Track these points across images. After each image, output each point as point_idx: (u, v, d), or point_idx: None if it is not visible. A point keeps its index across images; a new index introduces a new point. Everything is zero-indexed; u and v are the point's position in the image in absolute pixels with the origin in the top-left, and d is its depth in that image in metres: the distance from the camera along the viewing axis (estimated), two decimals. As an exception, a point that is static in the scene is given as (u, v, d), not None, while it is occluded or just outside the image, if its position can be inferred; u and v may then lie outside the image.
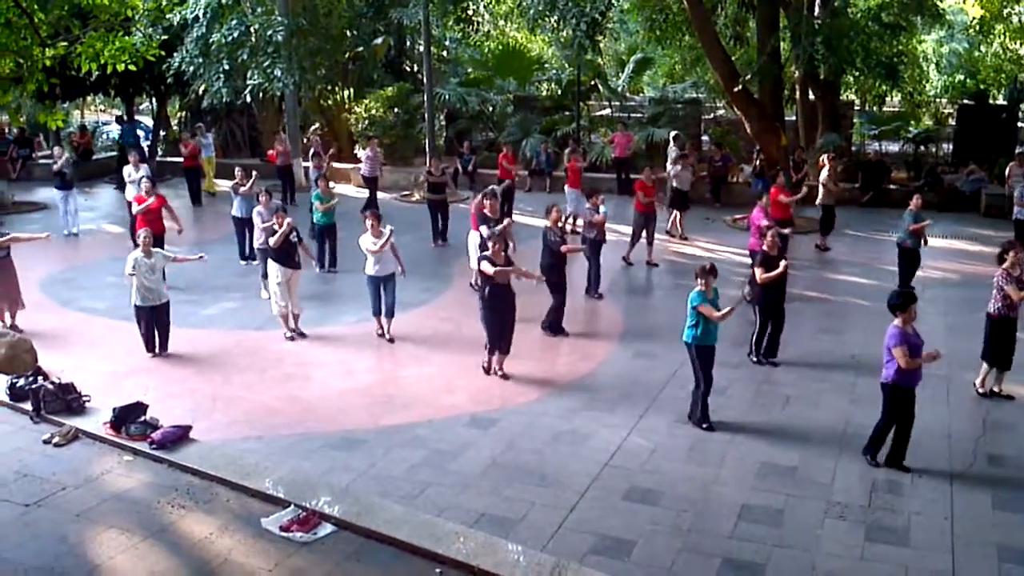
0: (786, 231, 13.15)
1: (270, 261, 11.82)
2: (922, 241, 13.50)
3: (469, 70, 28.40)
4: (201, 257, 12.23)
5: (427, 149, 21.71)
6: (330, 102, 25.49)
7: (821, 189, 16.19)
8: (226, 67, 20.76)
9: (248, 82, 20.79)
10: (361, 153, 22.07)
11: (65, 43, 10.39)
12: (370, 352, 11.41)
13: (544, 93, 27.73)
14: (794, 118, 21.97)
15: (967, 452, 8.52)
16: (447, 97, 24.58)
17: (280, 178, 20.56)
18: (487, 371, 10.47)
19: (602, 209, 13.15)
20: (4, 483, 7.75)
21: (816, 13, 19.45)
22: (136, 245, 11.38)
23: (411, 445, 8.68)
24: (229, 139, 27.55)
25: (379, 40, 25.23)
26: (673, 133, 21.46)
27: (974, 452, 8.53)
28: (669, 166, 18.38)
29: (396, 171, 22.63)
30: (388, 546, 6.81)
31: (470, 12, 25.60)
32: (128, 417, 8.58)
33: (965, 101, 25.78)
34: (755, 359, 10.74)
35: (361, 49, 25.27)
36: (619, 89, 27.60)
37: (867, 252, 16.17)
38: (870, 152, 23.45)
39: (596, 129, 25.73)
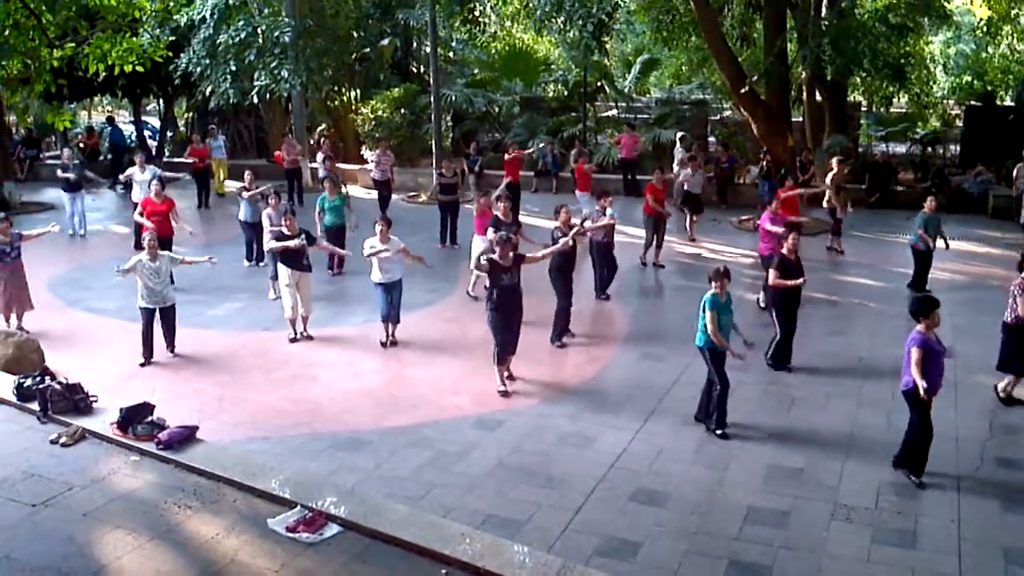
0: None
1: (279, 263, 11.79)
2: (935, 244, 13.35)
3: (476, 71, 28.45)
4: (211, 259, 11.91)
5: (434, 150, 21.72)
6: (337, 103, 25.51)
7: (829, 192, 16.17)
8: (233, 68, 20.86)
9: (255, 83, 20.87)
10: (368, 155, 22.02)
11: (72, 44, 10.44)
12: (376, 353, 11.40)
13: (550, 94, 27.75)
14: (801, 119, 21.95)
15: (974, 455, 8.48)
16: (454, 98, 24.58)
17: (288, 179, 20.54)
18: (504, 392, 9.88)
19: (609, 212, 13.13)
20: (11, 483, 7.77)
21: (823, 14, 19.46)
22: (139, 248, 11.23)
23: (417, 446, 8.68)
24: (236, 140, 27.67)
25: (386, 41, 25.25)
26: (680, 134, 21.47)
27: (981, 455, 8.50)
28: (676, 167, 18.36)
29: (403, 172, 22.55)
30: (394, 547, 6.81)
31: (477, 13, 25.72)
32: (135, 417, 8.61)
33: (972, 102, 25.73)
34: (770, 362, 10.59)
35: (368, 50, 25.30)
36: (625, 90, 27.63)
37: (874, 253, 16.14)
38: (877, 153, 23.38)
39: (602, 130, 25.73)
